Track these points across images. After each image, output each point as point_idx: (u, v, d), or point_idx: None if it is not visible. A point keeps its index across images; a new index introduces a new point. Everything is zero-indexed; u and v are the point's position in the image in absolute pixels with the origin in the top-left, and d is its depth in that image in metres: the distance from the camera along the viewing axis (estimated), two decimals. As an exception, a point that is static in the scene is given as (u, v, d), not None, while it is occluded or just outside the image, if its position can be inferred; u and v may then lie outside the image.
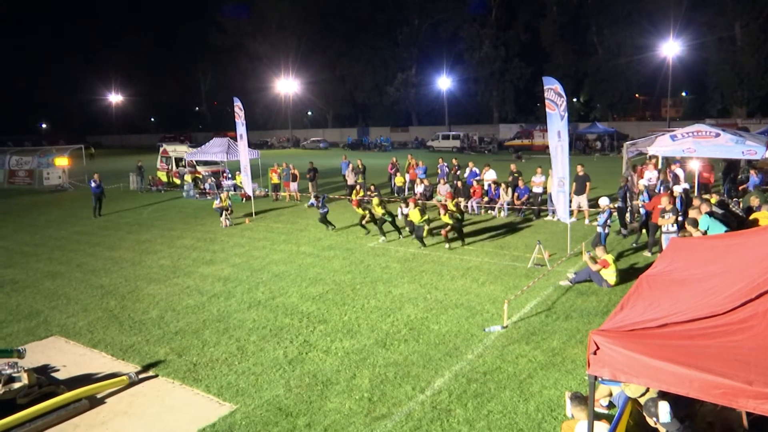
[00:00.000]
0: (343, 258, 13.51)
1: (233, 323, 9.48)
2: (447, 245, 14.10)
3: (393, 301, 10.29)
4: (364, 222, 16.05)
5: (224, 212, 18.24)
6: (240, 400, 6.90)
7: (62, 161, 32.90)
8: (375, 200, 15.92)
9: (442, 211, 14.49)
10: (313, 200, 17.82)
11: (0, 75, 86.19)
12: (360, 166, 23.55)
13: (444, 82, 63.93)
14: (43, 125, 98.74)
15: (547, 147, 15.30)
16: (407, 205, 15.70)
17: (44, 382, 7.23)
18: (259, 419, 6.47)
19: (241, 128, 19.29)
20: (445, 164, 22.57)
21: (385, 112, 73.51)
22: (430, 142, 54.78)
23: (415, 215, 14.44)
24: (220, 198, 18.75)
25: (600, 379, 4.07)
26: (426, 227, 14.66)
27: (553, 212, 16.47)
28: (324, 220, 16.97)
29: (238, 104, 19.21)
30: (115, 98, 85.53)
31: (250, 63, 74.77)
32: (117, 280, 12.40)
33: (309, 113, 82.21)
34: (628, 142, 17.53)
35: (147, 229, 18.29)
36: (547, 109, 13.04)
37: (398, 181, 23.20)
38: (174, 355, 8.28)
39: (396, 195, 22.44)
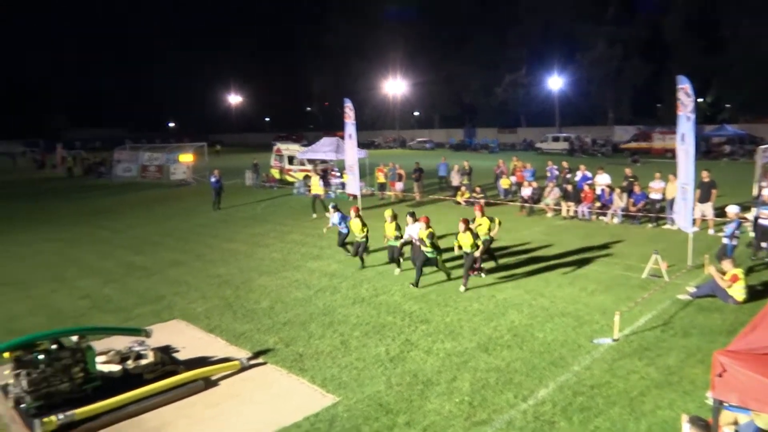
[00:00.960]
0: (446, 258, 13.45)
1: (338, 318, 9.75)
2: (463, 288, 10.91)
3: (496, 305, 10.10)
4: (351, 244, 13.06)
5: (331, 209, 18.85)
6: (342, 393, 7.08)
7: (187, 158, 35.48)
8: (388, 211, 12.35)
9: (461, 227, 11.00)
10: (333, 216, 13.76)
11: (135, 78, 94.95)
12: (466, 168, 23.37)
13: (555, 82, 61.80)
14: (171, 124, 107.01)
15: (668, 150, 14.30)
16: (414, 220, 11.89)
17: (167, 360, 7.82)
18: (360, 413, 6.60)
19: (350, 128, 19.76)
20: (555, 167, 21.82)
21: (492, 113, 72.31)
22: (539, 143, 53.16)
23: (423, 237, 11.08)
24: (310, 185, 19.41)
25: (726, 404, 3.74)
26: (439, 258, 11.32)
27: (673, 220, 15.39)
28: (344, 243, 13.61)
29: (348, 105, 19.69)
30: (234, 99, 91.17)
31: (360, 64, 76.47)
32: (232, 271, 13.17)
33: (416, 114, 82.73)
34: (762, 147, 15.99)
35: (260, 224, 19.27)
36: (676, 110, 12.19)
37: (504, 183, 22.76)
38: (282, 345, 8.66)
39: (503, 197, 22.03)
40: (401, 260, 12.48)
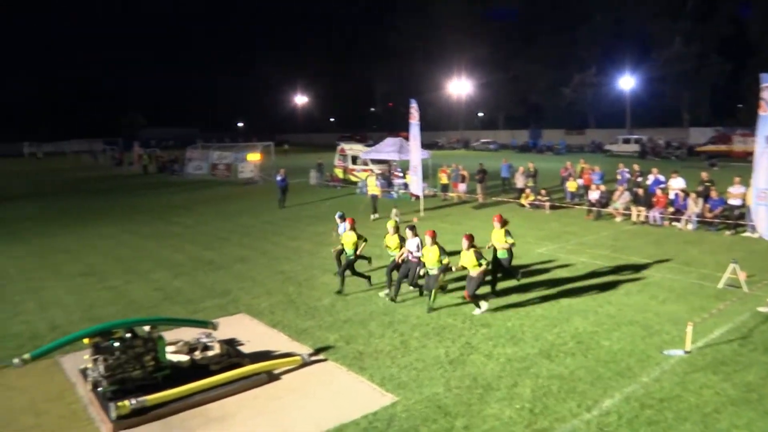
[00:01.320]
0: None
1: (398, 317, 9.76)
2: (478, 310, 9.80)
3: (560, 311, 9.85)
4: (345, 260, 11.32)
5: (394, 209, 18.94)
6: (401, 393, 7.08)
7: (254, 157, 36.47)
8: (391, 222, 11.30)
9: (464, 244, 9.72)
10: (340, 226, 12.74)
11: (206, 80, 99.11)
12: (531, 170, 22.92)
13: (627, 82, 59.52)
14: (240, 124, 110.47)
15: (749, 154, 13.47)
16: (414, 234, 10.56)
17: (232, 353, 8.06)
18: (419, 414, 6.59)
19: (415, 129, 19.81)
20: (626, 170, 21.06)
21: (559, 113, 70.47)
22: (608, 145, 51.33)
23: (431, 255, 9.66)
24: (368, 184, 19.42)
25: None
26: (442, 277, 9.98)
27: (753, 228, 14.52)
28: (352, 269, 11.38)
29: (414, 105, 19.75)
30: (300, 100, 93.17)
31: (424, 64, 76.39)
32: (296, 268, 13.45)
33: (480, 114, 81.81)
34: None
35: (323, 223, 19.55)
36: (759, 110, 11.46)
37: (571, 186, 22.15)
38: (342, 342, 8.76)
39: (569, 201, 21.46)
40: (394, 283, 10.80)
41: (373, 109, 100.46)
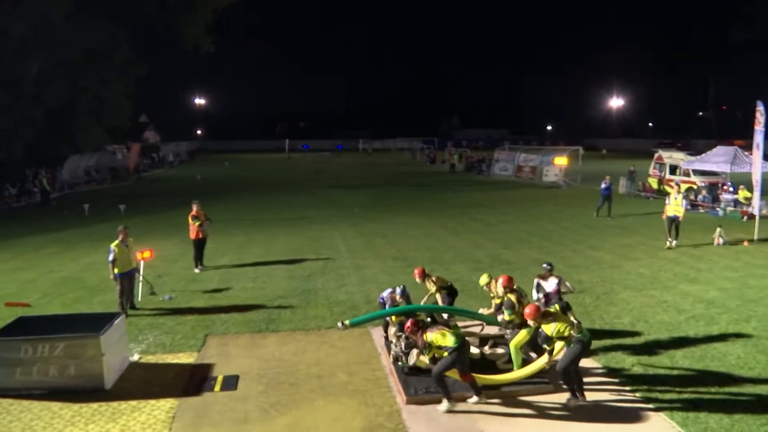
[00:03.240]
0: None
1: (711, 353, 8.50)
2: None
3: None
4: None
5: (719, 229, 16.49)
6: (707, 440, 6.16)
7: (561, 161, 35.69)
8: (484, 277, 8.90)
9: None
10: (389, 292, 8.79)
11: (518, 84, 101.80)
12: None
13: None
14: (549, 127, 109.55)
15: None
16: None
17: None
18: (729, 470, 5.64)
19: (758, 136, 16.90)
20: None
21: None
22: None
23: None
24: (669, 202, 16.69)
25: None
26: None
27: None
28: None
29: (760, 109, 16.83)
30: (615, 102, 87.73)
31: (775, 60, 64.20)
32: (594, 279, 12.77)
33: None
34: None
35: (629, 235, 18.17)
36: None
37: None
38: (639, 367, 8.03)
39: None
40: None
41: (701, 113, 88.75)
